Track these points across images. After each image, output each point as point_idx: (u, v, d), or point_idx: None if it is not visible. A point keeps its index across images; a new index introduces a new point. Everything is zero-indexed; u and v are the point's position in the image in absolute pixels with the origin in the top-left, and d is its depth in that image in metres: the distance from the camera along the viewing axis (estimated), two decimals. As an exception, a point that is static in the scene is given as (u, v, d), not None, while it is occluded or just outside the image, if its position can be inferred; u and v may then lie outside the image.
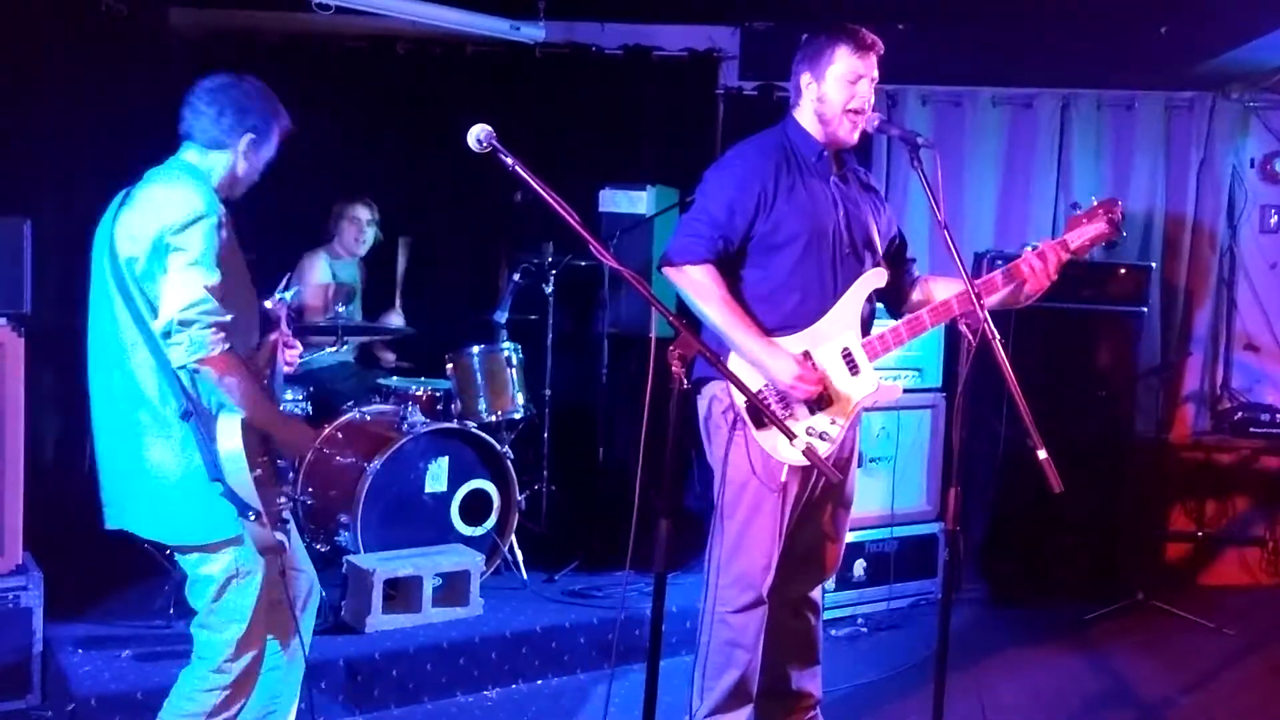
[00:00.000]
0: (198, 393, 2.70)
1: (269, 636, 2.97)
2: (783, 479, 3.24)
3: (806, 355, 3.24)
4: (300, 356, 3.08)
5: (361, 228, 5.48)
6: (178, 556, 2.87)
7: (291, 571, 3.01)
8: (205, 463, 2.69)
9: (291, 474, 2.90)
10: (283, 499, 2.85)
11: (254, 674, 2.91)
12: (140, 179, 2.81)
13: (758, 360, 3.19)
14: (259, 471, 2.72)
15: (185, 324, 2.60)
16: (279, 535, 2.82)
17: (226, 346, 2.64)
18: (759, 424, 3.19)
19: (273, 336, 3.01)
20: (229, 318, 2.65)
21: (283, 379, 3.06)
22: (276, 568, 2.86)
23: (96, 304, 2.79)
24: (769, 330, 3.23)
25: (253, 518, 2.70)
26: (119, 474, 2.80)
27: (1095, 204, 3.28)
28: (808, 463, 3.16)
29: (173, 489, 2.74)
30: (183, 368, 2.63)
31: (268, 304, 3.03)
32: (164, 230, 2.63)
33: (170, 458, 2.73)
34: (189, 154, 2.84)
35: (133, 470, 2.77)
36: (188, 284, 2.60)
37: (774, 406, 3.19)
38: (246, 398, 2.68)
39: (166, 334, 2.62)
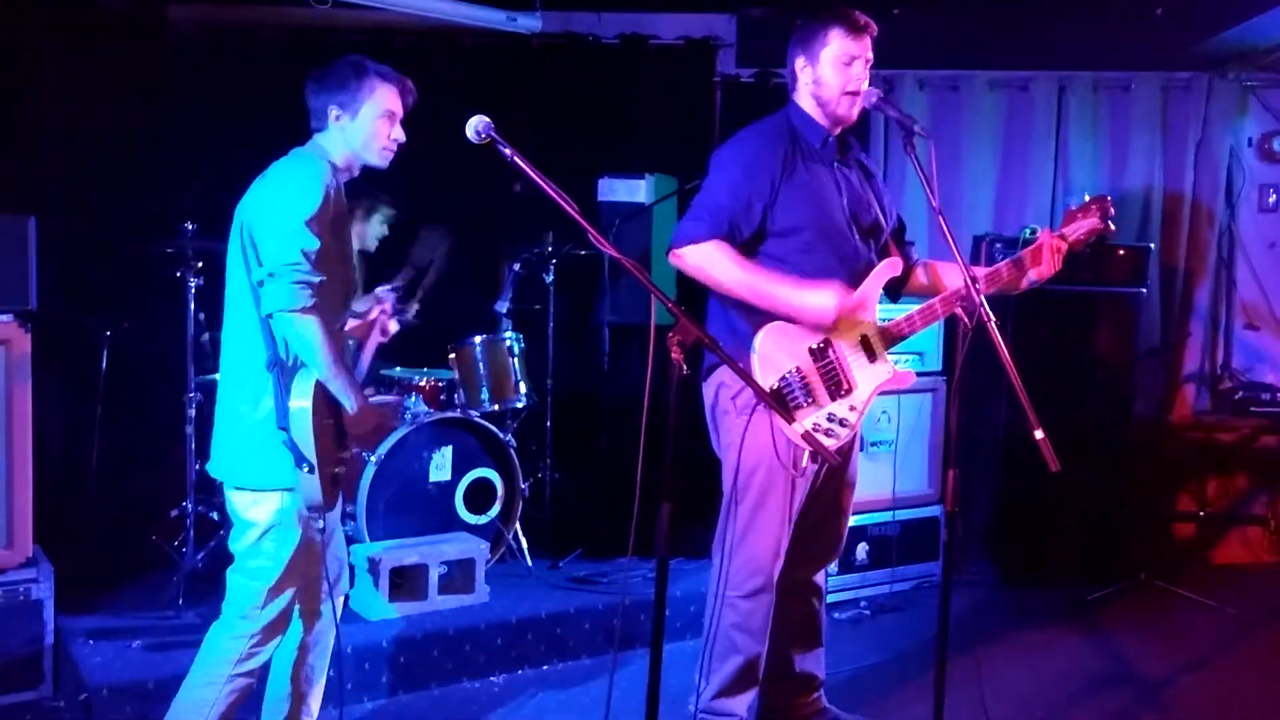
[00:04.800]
0: (282, 344, 2.88)
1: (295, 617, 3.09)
2: (804, 463, 3.26)
3: (827, 342, 3.24)
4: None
5: (384, 232, 5.47)
6: (229, 497, 3.00)
7: (330, 556, 3.12)
8: (277, 411, 2.87)
9: (349, 439, 3.02)
10: (340, 467, 2.98)
11: (280, 626, 3.02)
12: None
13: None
14: (322, 432, 2.86)
15: (278, 275, 2.79)
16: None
17: (313, 304, 2.80)
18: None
19: (372, 315, 3.28)
20: (319, 280, 2.83)
21: (373, 354, 3.34)
22: (317, 530, 2.97)
23: (228, 267, 2.99)
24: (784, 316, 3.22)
25: (306, 470, 2.84)
26: (214, 420, 3.04)
27: (1088, 199, 3.33)
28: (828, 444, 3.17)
29: (242, 431, 2.94)
30: (269, 315, 2.81)
31: (378, 291, 3.42)
32: (277, 197, 2.87)
33: (246, 402, 2.93)
34: (316, 136, 3.05)
35: (219, 413, 3.02)
36: (288, 244, 2.80)
37: (798, 394, 3.20)
38: (324, 356, 2.83)
39: (260, 282, 2.82)
